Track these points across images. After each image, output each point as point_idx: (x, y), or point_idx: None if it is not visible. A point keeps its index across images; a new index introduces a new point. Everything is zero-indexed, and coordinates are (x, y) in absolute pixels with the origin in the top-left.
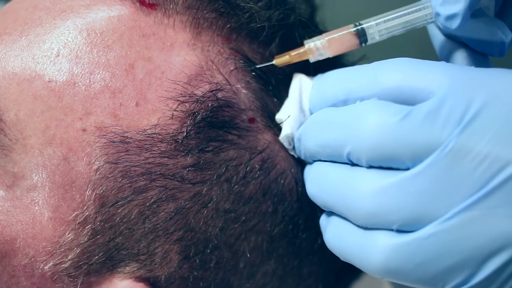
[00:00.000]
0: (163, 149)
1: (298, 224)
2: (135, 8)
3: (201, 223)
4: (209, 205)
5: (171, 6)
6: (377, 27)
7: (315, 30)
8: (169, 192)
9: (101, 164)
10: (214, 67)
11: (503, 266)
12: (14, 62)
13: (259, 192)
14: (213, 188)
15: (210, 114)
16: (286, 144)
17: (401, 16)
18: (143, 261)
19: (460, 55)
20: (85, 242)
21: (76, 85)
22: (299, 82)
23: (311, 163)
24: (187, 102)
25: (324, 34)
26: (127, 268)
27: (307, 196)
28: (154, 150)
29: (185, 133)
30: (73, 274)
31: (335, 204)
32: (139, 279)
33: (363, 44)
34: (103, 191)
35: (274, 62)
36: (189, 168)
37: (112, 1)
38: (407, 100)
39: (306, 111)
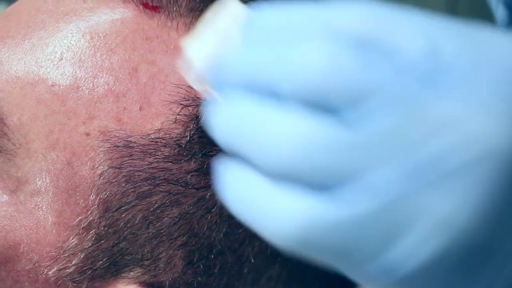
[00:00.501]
0: (167, 154)
1: None
2: (139, 11)
3: (205, 228)
4: (213, 210)
5: (175, 9)
6: None
7: None
8: (173, 197)
9: (105, 168)
10: None
11: None
12: (17, 65)
13: None
14: (216, 193)
15: None
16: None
17: None
18: (147, 266)
19: None
20: (89, 247)
21: (80, 89)
22: (229, 9)
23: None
24: (190, 105)
25: None
26: (131, 273)
27: None
28: (157, 155)
29: (188, 137)
30: (77, 279)
31: (245, 142)
32: (144, 284)
33: None
34: (107, 196)
35: None
36: (193, 173)
37: (115, 4)
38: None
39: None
